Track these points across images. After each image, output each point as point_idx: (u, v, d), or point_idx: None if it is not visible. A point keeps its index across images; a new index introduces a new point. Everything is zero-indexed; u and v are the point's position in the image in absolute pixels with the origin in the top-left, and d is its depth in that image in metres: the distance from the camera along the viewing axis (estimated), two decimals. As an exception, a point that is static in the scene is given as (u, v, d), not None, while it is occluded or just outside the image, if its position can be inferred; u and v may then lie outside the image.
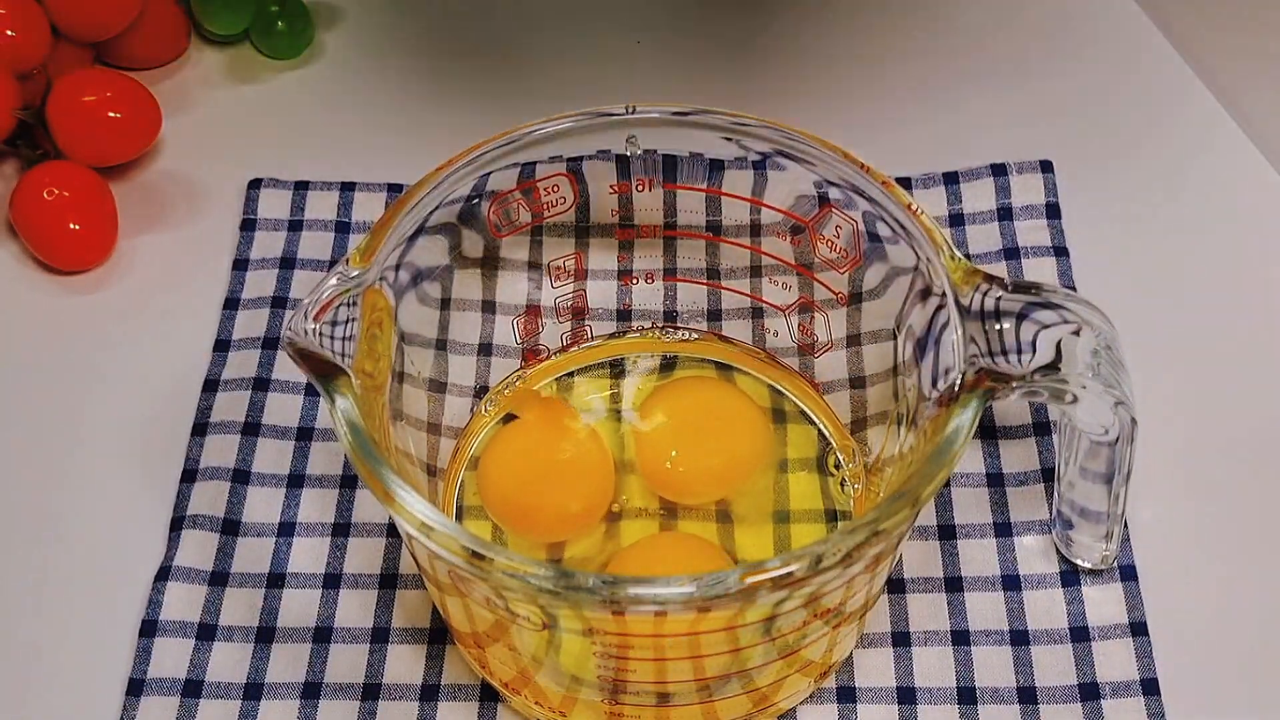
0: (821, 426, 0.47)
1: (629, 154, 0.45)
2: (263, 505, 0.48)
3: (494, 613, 0.37)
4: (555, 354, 0.49)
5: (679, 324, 0.50)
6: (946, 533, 0.46)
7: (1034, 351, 0.38)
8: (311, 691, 0.44)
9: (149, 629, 0.45)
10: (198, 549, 0.46)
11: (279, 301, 0.53)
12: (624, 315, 0.50)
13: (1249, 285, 0.53)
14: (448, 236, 0.44)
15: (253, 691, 0.44)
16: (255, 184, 0.56)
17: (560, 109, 0.43)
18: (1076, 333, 0.38)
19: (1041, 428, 0.48)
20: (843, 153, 0.42)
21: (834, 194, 0.43)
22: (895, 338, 0.43)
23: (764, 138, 0.43)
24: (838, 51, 0.63)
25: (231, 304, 0.53)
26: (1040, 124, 0.59)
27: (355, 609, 0.45)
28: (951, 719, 0.43)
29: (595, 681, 0.39)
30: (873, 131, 0.58)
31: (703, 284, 0.49)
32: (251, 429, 0.49)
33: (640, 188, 0.46)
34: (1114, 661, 0.44)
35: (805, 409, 0.48)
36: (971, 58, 0.62)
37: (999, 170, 0.55)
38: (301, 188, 0.56)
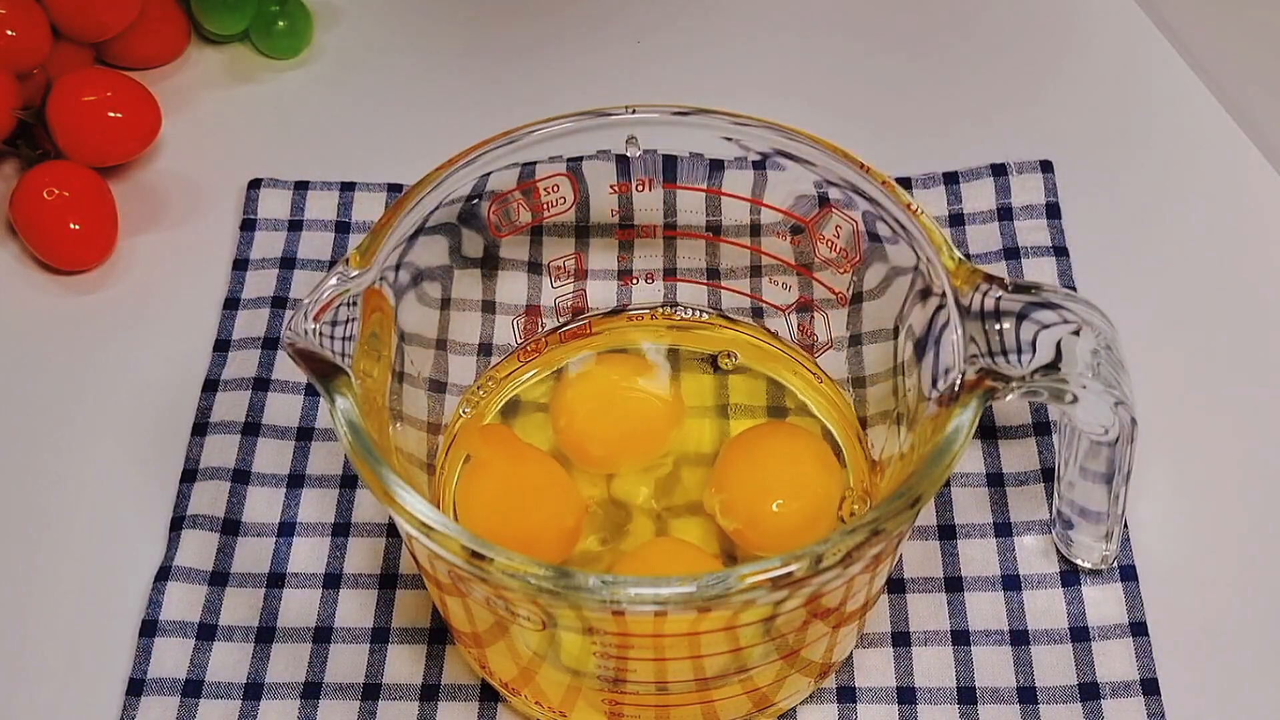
0: (825, 421, 0.47)
1: (629, 154, 0.45)
2: (263, 505, 0.48)
3: (494, 613, 0.37)
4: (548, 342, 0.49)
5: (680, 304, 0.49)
6: (946, 533, 0.47)
7: (1034, 351, 0.38)
8: (311, 691, 0.44)
9: (149, 629, 0.45)
10: (198, 549, 0.46)
11: (279, 301, 0.53)
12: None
13: (1249, 285, 0.53)
14: (448, 236, 0.44)
15: (253, 691, 0.44)
16: (255, 184, 0.56)
17: (560, 109, 0.43)
18: (1076, 333, 0.38)
19: (1041, 428, 0.48)
20: (843, 153, 0.42)
21: (834, 194, 0.43)
22: (895, 338, 0.43)
23: (764, 138, 0.43)
24: (838, 52, 0.63)
25: (231, 304, 0.53)
26: (1040, 124, 0.59)
27: (355, 609, 0.45)
28: (951, 719, 0.43)
29: (595, 681, 0.39)
30: (873, 131, 0.58)
31: (703, 284, 0.49)
32: (251, 429, 0.49)
33: (640, 188, 0.46)
34: (1114, 661, 0.44)
35: (808, 404, 0.48)
36: (971, 57, 0.62)
37: (999, 170, 0.55)
38: (301, 188, 0.56)
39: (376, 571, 0.46)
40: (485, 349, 0.48)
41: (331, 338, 0.38)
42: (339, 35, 0.64)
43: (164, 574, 0.46)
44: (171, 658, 0.44)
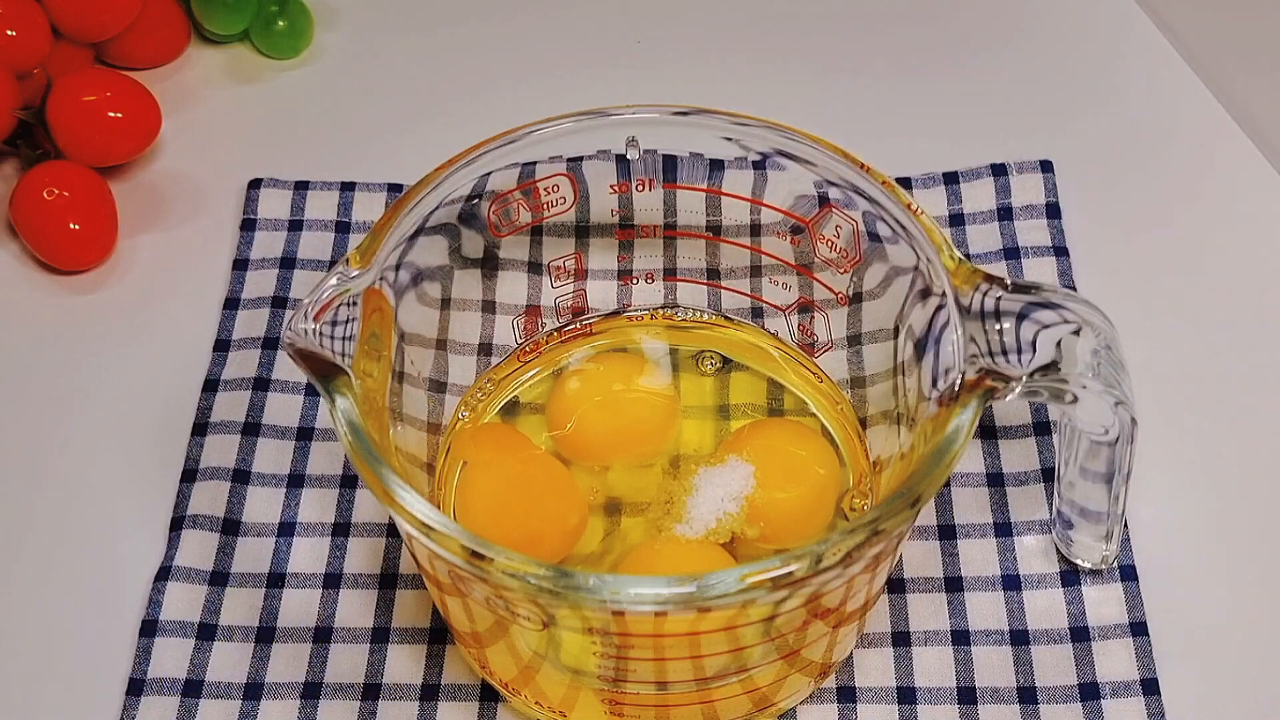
0: (825, 421, 0.47)
1: (629, 154, 0.45)
2: (263, 505, 0.48)
3: (494, 613, 0.37)
4: (546, 346, 0.49)
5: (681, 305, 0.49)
6: (946, 533, 0.47)
7: (1034, 351, 0.38)
8: (311, 691, 0.44)
9: (149, 629, 0.45)
10: (198, 549, 0.46)
11: (279, 301, 0.53)
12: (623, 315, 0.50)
13: (1249, 285, 0.53)
14: (448, 236, 0.44)
15: (253, 691, 0.44)
16: (255, 184, 0.56)
17: (560, 109, 0.43)
18: (1076, 333, 0.38)
19: (1041, 428, 0.49)
20: (843, 153, 0.42)
21: (834, 194, 0.43)
22: (895, 338, 0.43)
23: (764, 138, 0.43)
24: (838, 51, 0.63)
25: (231, 304, 0.53)
26: (1040, 124, 0.59)
27: (355, 609, 0.45)
28: (951, 719, 0.43)
29: (596, 681, 0.39)
30: (873, 131, 0.58)
31: (703, 284, 0.49)
32: (251, 429, 0.49)
33: (640, 188, 0.46)
34: (1114, 661, 0.44)
35: (808, 404, 0.48)
36: (971, 58, 0.62)
37: (999, 170, 0.55)
38: (301, 188, 0.56)
39: (376, 571, 0.46)
40: (485, 349, 0.48)
41: (331, 338, 0.38)
42: (339, 35, 0.64)
43: (164, 574, 0.46)
44: (171, 658, 0.44)
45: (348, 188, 0.56)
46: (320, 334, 0.38)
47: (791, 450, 0.45)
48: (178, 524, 0.47)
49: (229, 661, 0.44)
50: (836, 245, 0.44)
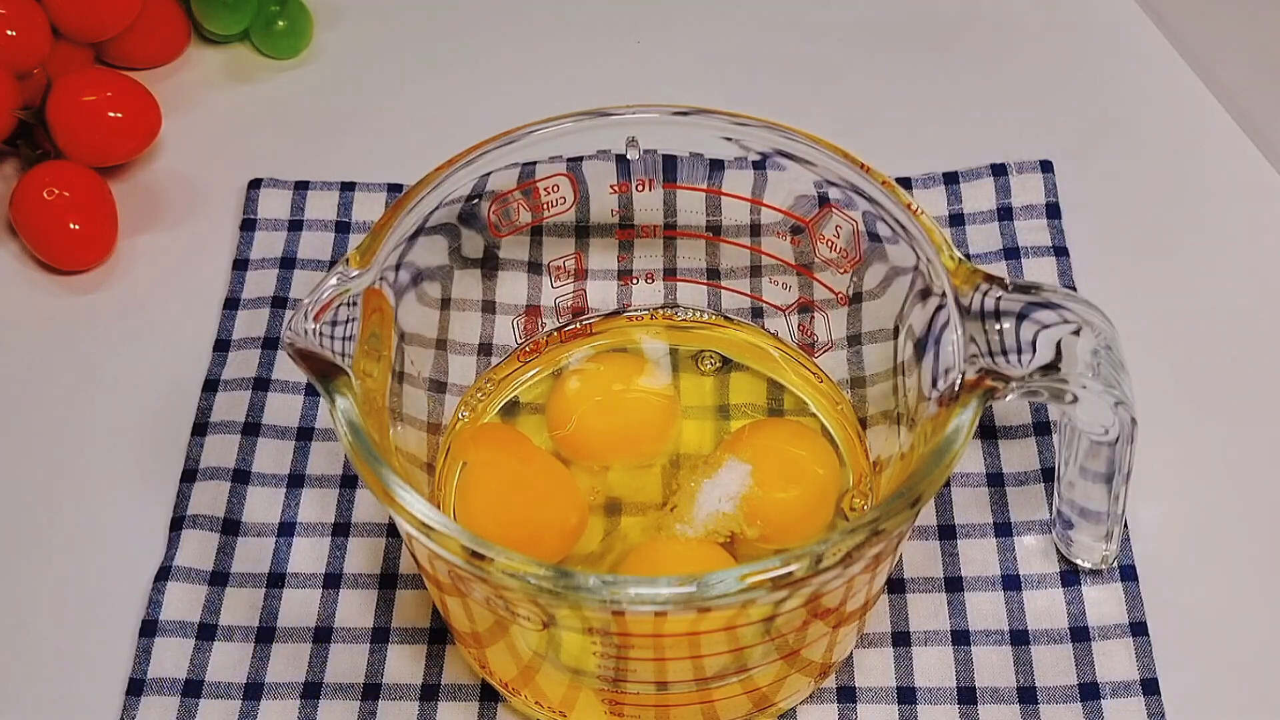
0: (825, 421, 0.47)
1: (629, 154, 0.45)
2: (263, 505, 0.48)
3: (494, 613, 0.37)
4: (546, 346, 0.49)
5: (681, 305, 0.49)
6: (946, 533, 0.47)
7: (1034, 351, 0.38)
8: (311, 691, 0.44)
9: (149, 629, 0.45)
10: (198, 549, 0.46)
11: (279, 301, 0.53)
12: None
13: (1249, 285, 0.53)
14: (448, 236, 0.44)
15: (253, 691, 0.44)
16: (255, 184, 0.56)
17: (560, 109, 0.43)
18: (1076, 333, 0.38)
19: (1041, 428, 0.49)
20: (843, 153, 0.42)
21: (834, 194, 0.43)
22: (895, 338, 0.43)
23: (764, 138, 0.43)
24: (838, 51, 0.63)
25: (231, 304, 0.53)
26: (1040, 124, 0.59)
27: (355, 609, 0.45)
28: (951, 719, 0.43)
29: (596, 681, 0.39)
30: (873, 131, 0.58)
31: (703, 284, 0.49)
32: (251, 429, 0.49)
33: (640, 188, 0.46)
34: (1114, 661, 0.44)
35: (808, 404, 0.48)
36: (972, 57, 0.62)
37: (999, 170, 0.55)
38: (301, 188, 0.56)
39: (376, 571, 0.46)
40: (485, 349, 0.48)
41: (331, 338, 0.38)
42: (339, 35, 0.64)
43: (164, 574, 0.46)
44: (171, 658, 0.44)
45: (348, 188, 0.56)
46: (320, 334, 0.38)
47: (791, 450, 0.45)
48: (178, 524, 0.47)
49: (229, 661, 0.44)
50: (836, 245, 0.44)
